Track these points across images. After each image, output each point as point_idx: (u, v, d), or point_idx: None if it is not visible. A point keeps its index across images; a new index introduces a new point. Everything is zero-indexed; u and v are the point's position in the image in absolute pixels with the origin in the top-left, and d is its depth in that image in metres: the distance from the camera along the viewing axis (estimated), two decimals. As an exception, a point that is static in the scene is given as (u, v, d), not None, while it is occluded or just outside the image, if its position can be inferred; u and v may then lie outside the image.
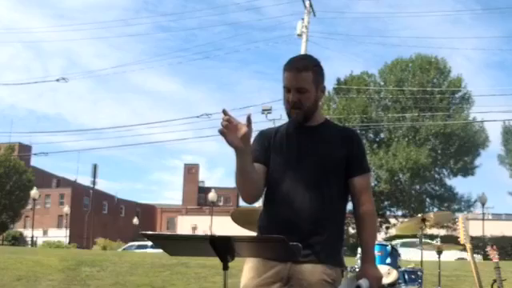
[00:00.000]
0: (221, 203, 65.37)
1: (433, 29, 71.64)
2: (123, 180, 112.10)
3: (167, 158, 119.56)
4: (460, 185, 50.86)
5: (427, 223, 5.28)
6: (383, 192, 33.96)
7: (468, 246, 5.20)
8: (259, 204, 2.75)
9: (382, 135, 35.44)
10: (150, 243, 24.74)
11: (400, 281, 4.48)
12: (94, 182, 55.76)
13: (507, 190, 38.22)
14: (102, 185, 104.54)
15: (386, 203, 35.48)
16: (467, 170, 34.78)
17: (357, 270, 3.78)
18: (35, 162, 67.91)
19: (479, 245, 24.10)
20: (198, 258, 11.26)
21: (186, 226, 55.06)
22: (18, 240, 41.02)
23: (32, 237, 38.83)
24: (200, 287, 11.02)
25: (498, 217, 49.78)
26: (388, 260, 4.37)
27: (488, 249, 5.60)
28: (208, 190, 54.29)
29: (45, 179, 58.95)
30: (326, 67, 2.66)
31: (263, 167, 2.58)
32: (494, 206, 63.85)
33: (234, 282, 2.43)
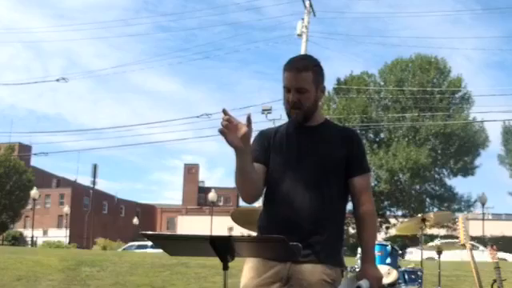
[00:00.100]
0: (221, 203, 65.37)
1: (433, 29, 71.71)
2: (123, 180, 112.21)
3: (167, 157, 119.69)
4: (460, 185, 50.94)
5: (427, 223, 5.28)
6: (383, 192, 33.96)
7: (468, 245, 5.20)
8: (259, 204, 2.75)
9: (382, 135, 35.44)
10: (150, 243, 24.75)
11: (400, 281, 4.47)
12: (93, 182, 55.80)
13: (507, 190, 38.27)
14: (102, 185, 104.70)
15: (386, 203, 35.49)
16: (467, 170, 34.79)
17: (357, 270, 3.78)
18: (35, 162, 68.00)
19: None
20: (198, 258, 11.26)
21: (185, 226, 55.05)
22: (18, 240, 41.05)
23: (32, 237, 38.84)
24: (200, 287, 11.02)
25: (497, 217, 49.78)
26: (388, 260, 4.37)
27: (488, 249, 5.60)
28: (208, 189, 54.32)
29: (45, 179, 58.96)
30: (326, 67, 2.66)
31: (263, 167, 2.58)
32: (494, 206, 63.89)
33: (233, 282, 2.43)
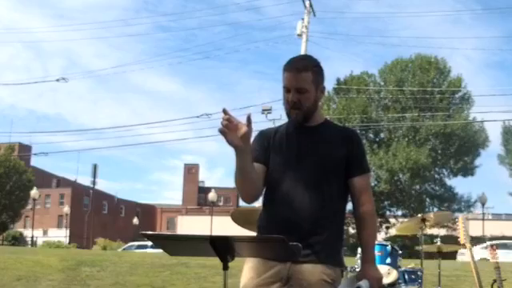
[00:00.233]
0: (221, 203, 65.38)
1: (433, 29, 71.68)
2: (123, 180, 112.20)
3: (167, 157, 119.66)
4: (460, 185, 50.92)
5: (427, 223, 5.27)
6: (383, 192, 33.95)
7: (468, 245, 5.20)
8: (259, 204, 2.75)
9: (382, 135, 35.43)
10: (150, 243, 24.75)
11: (400, 281, 4.47)
12: (94, 182, 55.81)
13: (507, 190, 38.21)
14: (102, 185, 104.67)
15: (385, 203, 35.47)
16: (467, 170, 34.77)
17: (357, 270, 3.78)
18: (35, 162, 67.96)
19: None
20: (198, 258, 11.26)
21: (185, 226, 55.05)
22: (18, 240, 41.06)
23: (32, 237, 38.85)
24: (200, 287, 11.02)
25: (497, 217, 49.78)
26: (388, 260, 4.36)
27: (488, 249, 5.60)
28: (208, 189, 54.32)
29: (45, 179, 58.95)
30: (326, 67, 2.66)
31: (263, 167, 2.59)
32: (494, 206, 63.81)
33: (233, 282, 2.43)
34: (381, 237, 29.53)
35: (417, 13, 65.95)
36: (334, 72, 47.52)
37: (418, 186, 35.18)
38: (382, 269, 3.96)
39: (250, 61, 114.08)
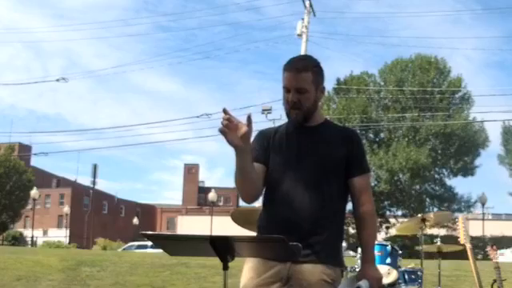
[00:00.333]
0: (221, 203, 65.38)
1: (433, 29, 71.72)
2: (123, 180, 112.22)
3: (167, 157, 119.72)
4: (460, 185, 50.85)
5: (427, 223, 5.28)
6: (383, 192, 33.92)
7: (468, 246, 5.19)
8: (259, 204, 2.75)
9: (382, 135, 35.40)
10: (150, 243, 24.76)
11: (400, 281, 4.47)
12: (94, 182, 55.83)
13: (507, 190, 38.17)
14: (102, 185, 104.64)
15: (385, 203, 35.45)
16: (467, 170, 34.75)
17: (357, 270, 3.78)
18: (35, 162, 67.95)
19: (479, 245, 24.08)
20: (198, 258, 11.26)
21: (185, 226, 55.04)
22: (18, 240, 41.03)
23: (32, 237, 38.85)
24: (200, 287, 11.02)
25: (497, 217, 49.78)
26: (388, 260, 4.37)
27: (488, 249, 5.60)
28: (208, 189, 54.31)
29: (45, 179, 58.95)
30: (326, 67, 2.66)
31: (262, 167, 2.59)
32: (494, 206, 63.73)
33: (233, 282, 2.43)
34: (381, 237, 29.50)
35: (417, 13, 65.99)
36: (333, 72, 47.56)
37: (418, 186, 35.15)
38: (382, 269, 3.96)
39: (250, 61, 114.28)
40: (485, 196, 34.63)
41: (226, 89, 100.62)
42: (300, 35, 21.32)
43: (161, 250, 2.38)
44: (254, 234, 2.75)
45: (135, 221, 57.31)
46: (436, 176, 35.71)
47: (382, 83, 35.59)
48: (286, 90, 2.57)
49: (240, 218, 3.64)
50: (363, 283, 2.47)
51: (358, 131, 22.61)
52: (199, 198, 71.02)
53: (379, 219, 32.69)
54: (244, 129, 2.32)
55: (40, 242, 40.85)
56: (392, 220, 35.38)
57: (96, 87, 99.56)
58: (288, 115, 2.62)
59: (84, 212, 58.56)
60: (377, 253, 4.19)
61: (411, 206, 34.02)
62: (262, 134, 2.71)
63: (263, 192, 2.62)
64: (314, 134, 2.62)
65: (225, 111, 2.33)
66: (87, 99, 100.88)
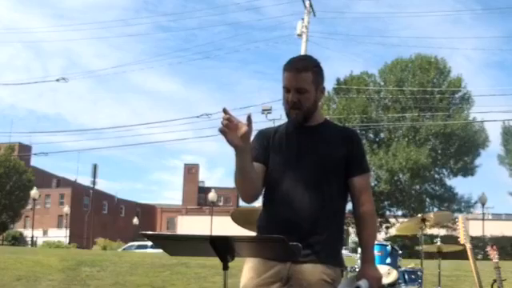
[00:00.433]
0: (221, 203, 65.39)
1: (433, 29, 71.76)
2: (123, 180, 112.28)
3: (167, 157, 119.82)
4: (460, 185, 50.84)
5: (427, 223, 5.27)
6: (383, 192, 33.91)
7: (468, 246, 5.19)
8: (259, 204, 2.75)
9: (382, 135, 35.39)
10: (150, 243, 24.74)
11: (400, 281, 4.47)
12: (94, 182, 55.83)
13: (507, 190, 38.15)
14: (102, 185, 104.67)
15: (385, 203, 35.44)
16: (467, 170, 34.73)
17: (357, 270, 3.78)
18: (35, 162, 67.97)
19: (479, 245, 24.06)
20: (198, 258, 11.26)
21: (185, 226, 55.03)
22: (18, 240, 41.01)
23: (32, 237, 38.85)
24: (200, 287, 11.02)
25: (497, 217, 49.78)
26: (388, 260, 4.37)
27: (488, 249, 5.59)
28: (208, 189, 54.32)
29: (45, 179, 58.95)
30: (326, 67, 2.66)
31: (262, 166, 2.59)
32: (494, 206, 63.74)
33: (233, 282, 2.43)
34: (381, 237, 29.50)
35: (417, 13, 66.00)
36: (333, 72, 47.57)
37: (418, 186, 35.14)
38: (382, 269, 3.96)
39: (250, 61, 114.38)
40: (485, 196, 34.64)
41: (226, 89, 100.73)
42: (300, 35, 21.31)
43: (161, 250, 2.38)
44: (253, 233, 2.75)
45: (135, 221, 57.31)
46: (436, 176, 35.69)
47: (382, 83, 35.58)
48: (286, 90, 2.57)
49: (240, 217, 3.64)
50: (363, 283, 2.47)
51: (358, 131, 22.57)
52: (199, 198, 71.03)
53: (379, 219, 32.68)
54: (244, 129, 2.32)
55: (40, 242, 40.83)
56: (392, 220, 35.37)
57: (96, 87, 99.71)
58: (288, 115, 2.62)
59: (84, 212, 58.56)
60: (377, 253, 4.19)
61: (411, 206, 34.01)
62: (262, 134, 2.71)
63: (263, 192, 2.62)
64: (314, 133, 2.62)
65: (225, 111, 2.33)
66: (87, 99, 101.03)
